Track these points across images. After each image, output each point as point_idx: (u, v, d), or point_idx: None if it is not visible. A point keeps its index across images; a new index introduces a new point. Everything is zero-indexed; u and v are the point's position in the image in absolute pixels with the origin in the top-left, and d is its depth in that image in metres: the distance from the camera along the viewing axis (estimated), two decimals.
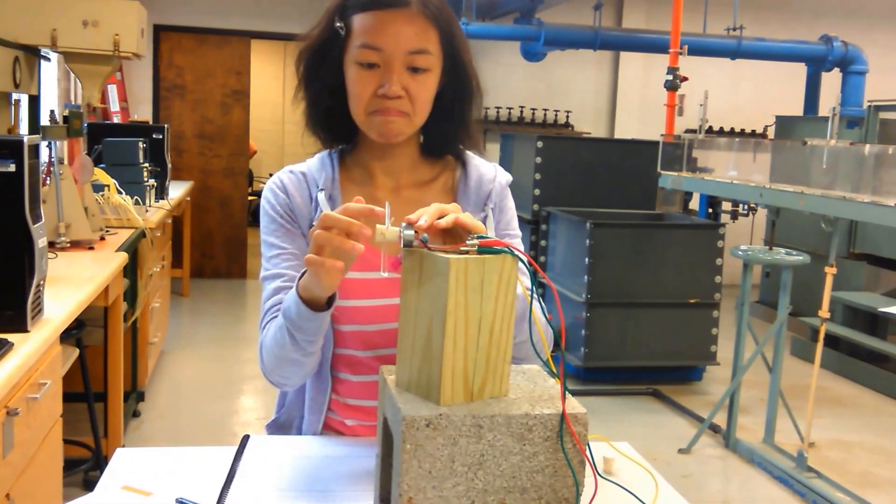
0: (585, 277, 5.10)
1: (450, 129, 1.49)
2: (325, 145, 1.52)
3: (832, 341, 5.72)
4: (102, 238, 3.58)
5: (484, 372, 1.07)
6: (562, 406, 1.04)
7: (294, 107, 1.48)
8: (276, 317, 1.38)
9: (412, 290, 1.09)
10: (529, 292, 1.09)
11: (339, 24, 1.38)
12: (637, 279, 5.20)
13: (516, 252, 1.07)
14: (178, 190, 6.12)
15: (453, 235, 1.13)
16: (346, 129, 1.48)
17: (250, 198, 8.63)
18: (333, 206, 1.45)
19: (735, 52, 7.69)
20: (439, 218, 1.10)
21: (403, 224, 1.08)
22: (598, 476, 1.12)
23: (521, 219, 1.66)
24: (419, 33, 1.36)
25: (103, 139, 4.55)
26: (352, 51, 1.38)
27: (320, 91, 1.44)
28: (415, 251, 1.08)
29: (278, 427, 1.56)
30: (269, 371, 1.39)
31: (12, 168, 1.96)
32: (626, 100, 9.01)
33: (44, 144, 3.31)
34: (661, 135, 5.77)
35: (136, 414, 4.33)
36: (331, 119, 1.47)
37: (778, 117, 7.89)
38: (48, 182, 3.31)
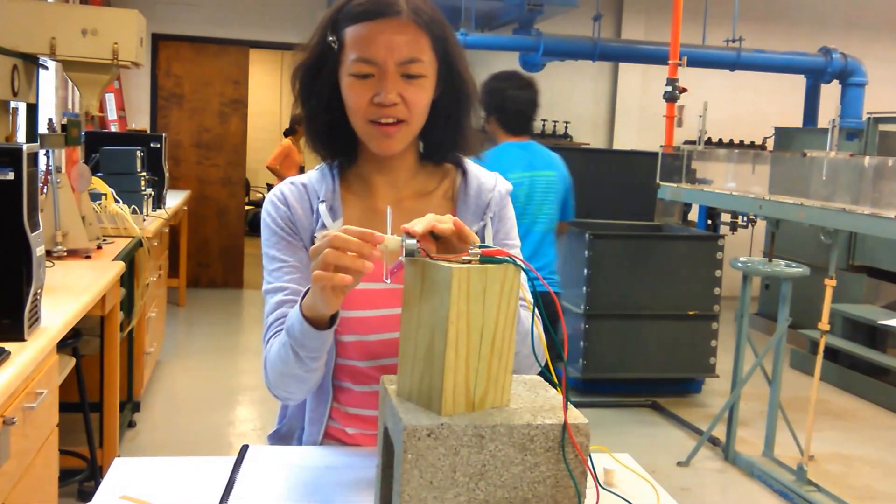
0: (584, 289, 5.09)
1: (446, 135, 1.48)
2: (325, 160, 1.51)
3: (832, 354, 5.71)
4: (99, 247, 3.57)
5: (485, 382, 1.06)
6: (563, 416, 1.03)
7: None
8: (279, 331, 1.37)
9: (414, 299, 1.08)
10: (531, 309, 1.08)
11: (331, 39, 1.38)
12: (636, 290, 5.19)
13: (518, 262, 1.06)
14: (175, 199, 6.11)
15: (447, 248, 1.12)
16: (345, 143, 1.47)
17: (247, 207, 8.61)
18: (335, 218, 1.44)
19: (734, 64, 7.70)
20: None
21: (405, 234, 1.08)
22: (599, 487, 1.11)
23: None
24: (411, 42, 1.35)
25: (101, 148, 4.55)
26: (346, 63, 1.37)
27: (317, 106, 1.44)
28: (417, 260, 1.07)
29: (280, 438, 1.56)
30: (274, 386, 1.39)
31: (11, 176, 1.95)
32: (624, 111, 9.02)
33: (41, 153, 3.30)
34: (661, 146, 5.76)
35: (131, 424, 4.31)
36: (330, 133, 1.47)
37: (777, 129, 7.90)
38: (45, 191, 3.29)
